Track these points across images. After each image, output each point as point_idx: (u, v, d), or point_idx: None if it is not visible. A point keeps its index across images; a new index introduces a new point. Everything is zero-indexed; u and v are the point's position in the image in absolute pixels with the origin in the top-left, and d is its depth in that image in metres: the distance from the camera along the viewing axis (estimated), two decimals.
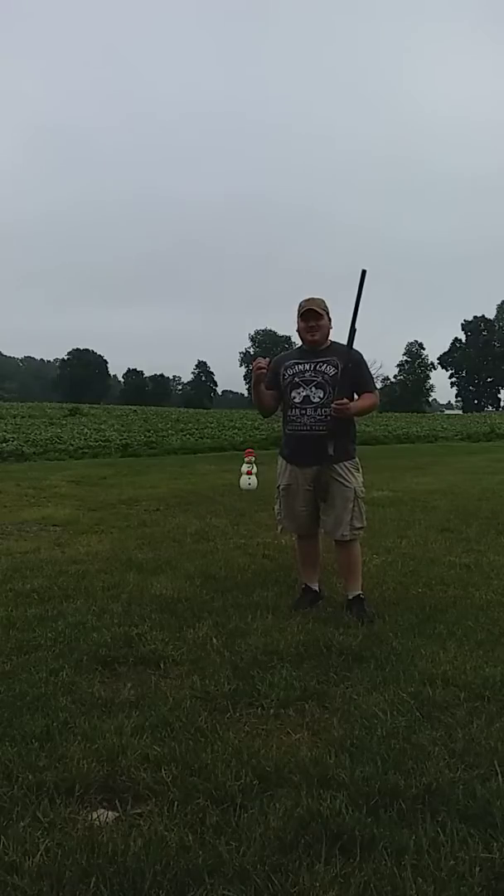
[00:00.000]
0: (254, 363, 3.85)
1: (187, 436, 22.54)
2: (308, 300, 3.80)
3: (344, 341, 3.80)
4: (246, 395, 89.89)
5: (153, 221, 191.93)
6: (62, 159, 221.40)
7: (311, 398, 3.73)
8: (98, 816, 1.97)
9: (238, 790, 2.06)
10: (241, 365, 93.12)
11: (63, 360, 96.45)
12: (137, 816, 1.97)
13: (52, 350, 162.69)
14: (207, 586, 4.35)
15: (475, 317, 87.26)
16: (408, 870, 1.72)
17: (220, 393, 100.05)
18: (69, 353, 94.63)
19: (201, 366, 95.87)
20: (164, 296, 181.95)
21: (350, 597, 3.83)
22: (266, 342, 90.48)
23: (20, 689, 2.77)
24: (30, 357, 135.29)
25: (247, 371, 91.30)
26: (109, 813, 2.00)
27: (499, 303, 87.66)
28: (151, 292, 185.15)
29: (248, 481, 9.40)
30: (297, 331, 3.84)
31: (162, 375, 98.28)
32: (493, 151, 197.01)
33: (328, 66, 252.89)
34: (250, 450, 11.07)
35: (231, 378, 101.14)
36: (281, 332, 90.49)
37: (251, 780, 2.11)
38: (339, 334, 3.89)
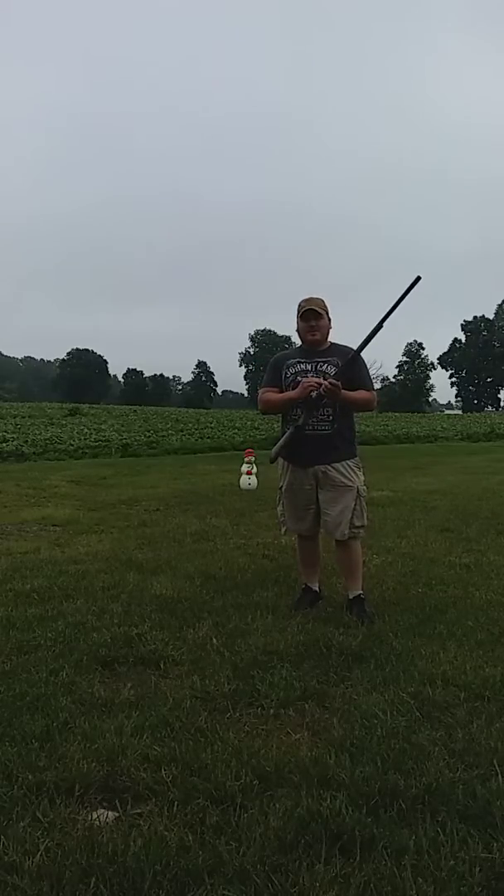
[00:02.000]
0: (311, 383, 3.62)
1: (187, 436, 22.56)
2: (307, 300, 3.80)
3: (344, 341, 3.82)
4: (246, 395, 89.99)
5: (154, 222, 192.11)
6: (62, 161, 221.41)
7: (313, 395, 3.71)
8: (98, 816, 1.97)
9: (238, 790, 2.06)
10: (241, 365, 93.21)
11: (63, 360, 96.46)
12: (137, 816, 1.97)
13: (52, 350, 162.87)
14: (207, 586, 4.35)
15: (475, 317, 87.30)
16: (408, 870, 1.72)
17: (220, 393, 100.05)
18: (69, 353, 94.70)
19: (201, 366, 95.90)
20: (164, 296, 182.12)
21: (350, 596, 3.83)
22: (266, 342, 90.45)
23: (20, 689, 2.76)
24: (30, 357, 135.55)
25: (247, 371, 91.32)
26: (109, 813, 2.00)
27: (499, 303, 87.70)
28: (152, 292, 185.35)
29: (248, 481, 9.40)
30: (297, 330, 3.84)
31: (162, 375, 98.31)
32: (494, 152, 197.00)
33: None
34: (250, 450, 11.08)
35: (231, 378, 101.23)
36: (281, 332, 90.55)
37: (251, 780, 2.11)
38: (341, 334, 3.88)
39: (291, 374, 3.80)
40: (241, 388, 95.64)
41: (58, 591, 4.25)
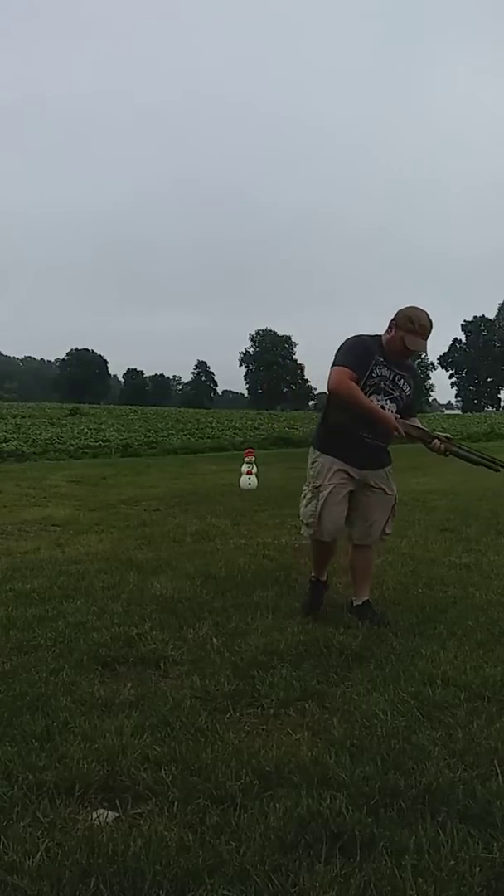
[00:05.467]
0: (401, 429, 3.60)
1: (187, 436, 22.57)
2: (423, 317, 3.59)
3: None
4: (246, 394, 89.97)
5: (154, 223, 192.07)
6: (61, 160, 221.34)
7: (385, 409, 3.63)
8: (98, 816, 1.97)
9: (238, 790, 2.06)
10: (241, 365, 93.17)
11: (63, 360, 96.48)
12: (137, 816, 1.97)
13: (52, 350, 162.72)
14: (207, 586, 4.35)
15: (475, 317, 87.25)
16: (408, 870, 1.72)
17: (220, 393, 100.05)
18: (69, 353, 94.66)
19: (201, 366, 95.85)
20: (164, 296, 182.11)
21: (360, 602, 3.76)
22: (266, 342, 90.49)
23: (20, 689, 2.76)
24: (30, 357, 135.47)
25: (247, 371, 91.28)
26: (109, 813, 2.00)
27: (499, 303, 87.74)
28: (152, 292, 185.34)
29: (248, 481, 9.41)
30: (391, 338, 3.61)
31: (162, 375, 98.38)
32: (495, 153, 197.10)
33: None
34: (250, 450, 11.09)
35: (231, 378, 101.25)
36: (281, 333, 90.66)
37: (251, 780, 2.11)
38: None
39: (377, 375, 3.62)
40: (241, 388, 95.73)
41: (58, 591, 4.25)
